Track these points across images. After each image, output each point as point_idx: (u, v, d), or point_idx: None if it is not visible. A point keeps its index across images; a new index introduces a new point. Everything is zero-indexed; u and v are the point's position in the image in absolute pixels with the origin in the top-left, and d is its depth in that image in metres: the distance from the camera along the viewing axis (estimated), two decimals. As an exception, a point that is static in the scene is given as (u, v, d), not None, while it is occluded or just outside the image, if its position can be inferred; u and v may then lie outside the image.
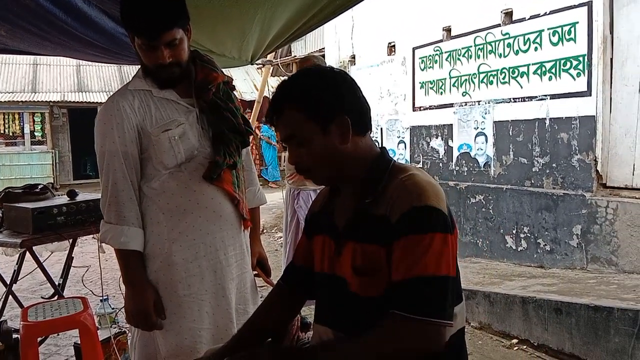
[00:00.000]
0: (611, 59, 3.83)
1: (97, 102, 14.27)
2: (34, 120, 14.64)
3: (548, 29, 4.16)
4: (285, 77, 1.43)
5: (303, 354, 1.22)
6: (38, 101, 14.20)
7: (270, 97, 1.30)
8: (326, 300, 1.31)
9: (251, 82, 14.65)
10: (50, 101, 14.35)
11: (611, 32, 3.80)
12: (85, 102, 14.56)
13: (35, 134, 14.76)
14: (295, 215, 3.41)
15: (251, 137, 1.93)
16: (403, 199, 1.12)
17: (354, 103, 1.21)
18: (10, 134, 14.49)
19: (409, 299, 1.06)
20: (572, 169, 4.08)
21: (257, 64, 7.88)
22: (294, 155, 1.24)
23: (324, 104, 1.18)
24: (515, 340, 3.15)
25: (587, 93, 3.93)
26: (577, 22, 3.94)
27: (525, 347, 3.08)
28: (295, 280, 1.46)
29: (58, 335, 3.33)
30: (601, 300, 2.82)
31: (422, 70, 5.58)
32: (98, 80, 15.60)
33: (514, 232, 4.56)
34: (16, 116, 14.53)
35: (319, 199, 1.43)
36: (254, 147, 11.26)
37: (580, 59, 3.95)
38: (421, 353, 1.05)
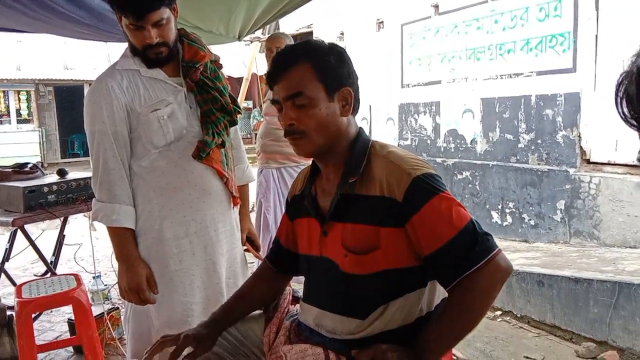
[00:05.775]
0: (596, 36, 3.86)
1: (83, 80, 14.11)
2: (19, 99, 14.45)
3: (534, 5, 4.18)
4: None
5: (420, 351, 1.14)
6: (23, 79, 13.98)
7: (278, 53, 1.26)
8: (316, 281, 1.33)
9: (239, 59, 14.49)
10: (36, 79, 14.13)
11: (596, 9, 3.82)
12: (72, 79, 14.37)
13: (22, 112, 14.59)
14: (264, 194, 3.34)
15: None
16: (399, 175, 1.16)
17: (355, 81, 1.27)
18: (-4, 113, 14.36)
19: (462, 257, 1.10)
20: (556, 145, 4.14)
21: (245, 41, 7.80)
22: (290, 116, 1.22)
23: (335, 71, 1.23)
24: (499, 312, 3.24)
25: (572, 70, 3.97)
26: (564, -1, 3.96)
27: (508, 318, 3.18)
28: (280, 259, 1.50)
29: (52, 311, 3.38)
30: (582, 273, 2.91)
31: (410, 47, 5.58)
32: (84, 57, 15.36)
33: (500, 207, 4.65)
34: (1, 94, 14.34)
35: (299, 181, 1.44)
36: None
37: (566, 35, 3.98)
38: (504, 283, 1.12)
